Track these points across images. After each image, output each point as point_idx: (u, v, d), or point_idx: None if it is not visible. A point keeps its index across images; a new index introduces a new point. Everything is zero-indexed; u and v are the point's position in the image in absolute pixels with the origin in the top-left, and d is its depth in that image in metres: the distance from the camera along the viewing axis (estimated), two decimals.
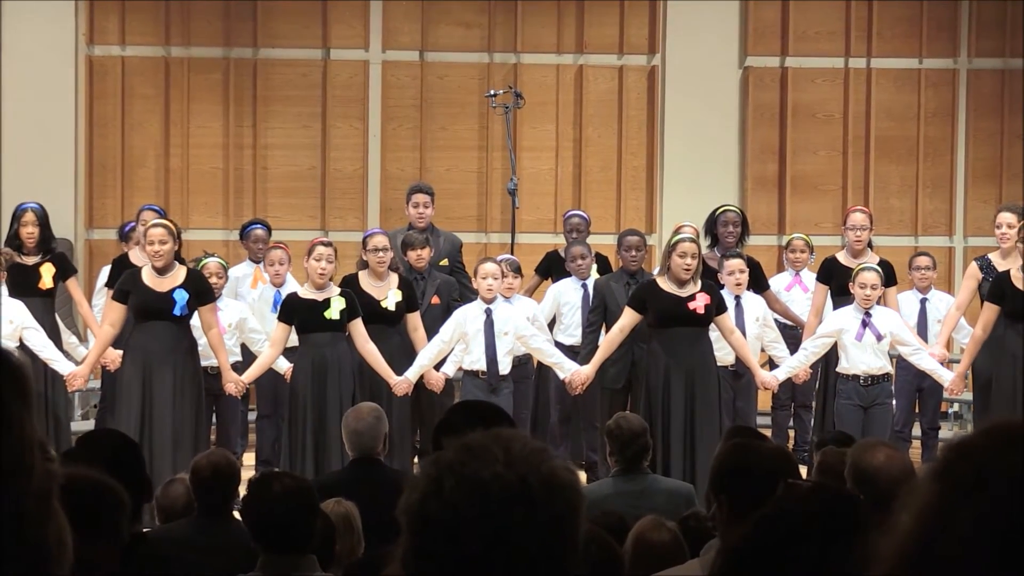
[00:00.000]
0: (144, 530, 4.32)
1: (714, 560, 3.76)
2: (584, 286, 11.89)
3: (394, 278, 11.02)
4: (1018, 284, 10.65)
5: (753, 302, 11.42)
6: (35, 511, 2.01)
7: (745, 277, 11.41)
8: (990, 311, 10.77)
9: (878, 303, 11.06)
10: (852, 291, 10.82)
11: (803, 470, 6.78)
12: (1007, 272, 10.80)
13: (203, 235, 14.02)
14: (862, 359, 10.69)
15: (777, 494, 3.54)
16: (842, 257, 11.71)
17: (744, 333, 10.98)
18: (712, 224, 12.06)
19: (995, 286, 10.81)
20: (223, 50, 14.49)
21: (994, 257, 11.37)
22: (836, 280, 11.38)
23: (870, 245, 11.85)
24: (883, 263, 11.57)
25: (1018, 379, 10.56)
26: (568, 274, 12.03)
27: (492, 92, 13.71)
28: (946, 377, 10.91)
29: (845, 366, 10.75)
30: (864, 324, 10.68)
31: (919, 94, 14.71)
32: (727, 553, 3.43)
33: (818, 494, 3.55)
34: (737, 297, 11.32)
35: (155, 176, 14.44)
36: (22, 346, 10.49)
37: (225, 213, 14.44)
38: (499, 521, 1.89)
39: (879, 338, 10.68)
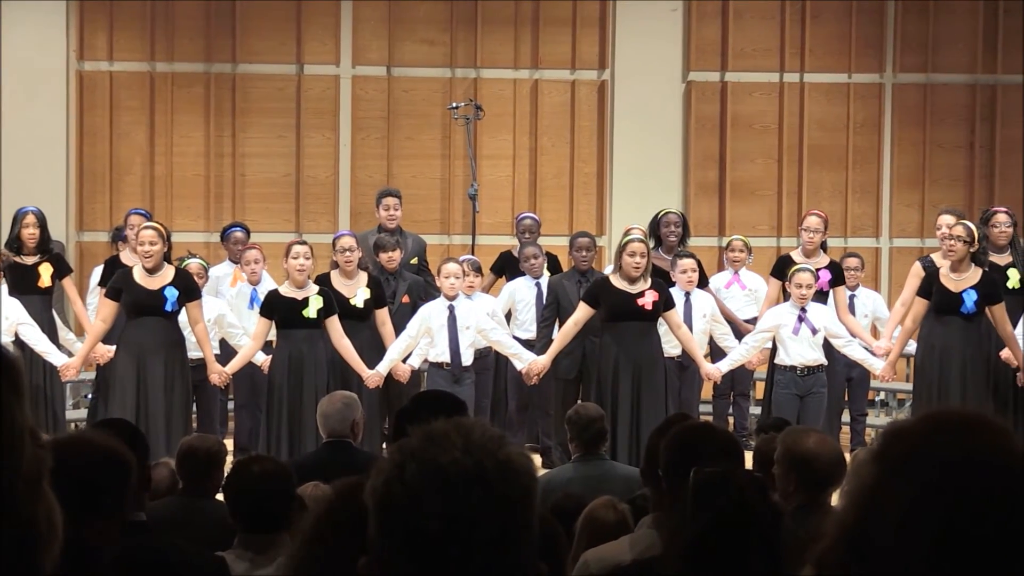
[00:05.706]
0: (143, 519, 4.26)
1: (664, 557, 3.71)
2: (537, 284, 11.88)
3: (363, 276, 10.99)
4: (944, 282, 10.68)
5: (702, 299, 11.41)
6: (25, 494, 2.00)
7: (696, 276, 11.41)
8: (920, 305, 10.80)
9: (823, 301, 11.14)
10: (788, 289, 10.85)
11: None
12: (937, 270, 10.82)
13: (186, 237, 13.92)
14: (799, 351, 10.72)
15: (694, 486, 3.48)
16: (796, 256, 11.71)
17: (692, 328, 10.99)
18: (656, 226, 12.06)
19: (926, 282, 10.83)
20: (204, 66, 14.43)
21: (936, 257, 11.29)
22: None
23: (824, 247, 11.86)
24: (833, 264, 11.63)
25: (936, 368, 10.65)
26: (522, 273, 12.02)
27: (454, 104, 13.73)
28: (876, 366, 10.94)
29: (783, 358, 10.77)
30: (800, 319, 10.72)
31: (848, 106, 14.76)
32: (679, 558, 3.39)
33: (731, 482, 3.50)
34: (687, 294, 11.32)
35: (141, 182, 14.38)
36: (18, 341, 10.53)
37: (206, 217, 14.39)
38: (457, 503, 1.88)
39: (814, 332, 10.71)
